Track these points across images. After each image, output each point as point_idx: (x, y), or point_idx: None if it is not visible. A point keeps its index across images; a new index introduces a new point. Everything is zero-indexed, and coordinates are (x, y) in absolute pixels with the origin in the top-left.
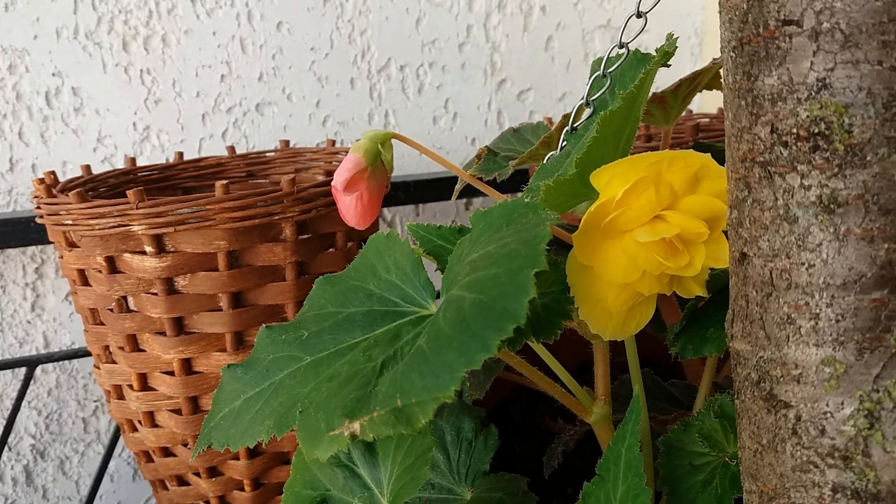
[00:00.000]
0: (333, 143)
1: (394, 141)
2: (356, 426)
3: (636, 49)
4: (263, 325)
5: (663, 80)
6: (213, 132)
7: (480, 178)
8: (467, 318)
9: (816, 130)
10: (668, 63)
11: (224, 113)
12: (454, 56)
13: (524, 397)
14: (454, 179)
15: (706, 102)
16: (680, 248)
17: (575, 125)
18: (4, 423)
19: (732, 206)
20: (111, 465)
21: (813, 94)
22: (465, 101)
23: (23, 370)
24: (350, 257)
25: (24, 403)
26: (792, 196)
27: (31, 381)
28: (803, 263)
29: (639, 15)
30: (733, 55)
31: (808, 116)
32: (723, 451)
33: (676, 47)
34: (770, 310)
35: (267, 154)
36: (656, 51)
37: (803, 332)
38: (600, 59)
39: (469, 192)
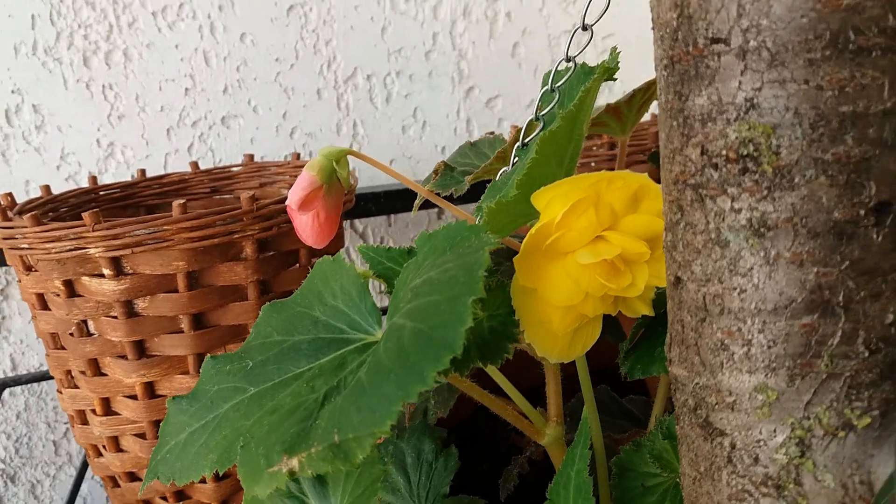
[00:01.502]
0: (298, 156)
1: (363, 149)
2: (294, 462)
3: (583, 63)
4: (208, 355)
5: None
6: (178, 147)
7: (438, 194)
8: (406, 348)
9: (745, 152)
10: (614, 77)
11: (189, 127)
12: (421, 64)
13: (490, 413)
14: None
15: None
16: (622, 269)
17: (525, 141)
18: None
19: (667, 229)
20: (83, 487)
21: (741, 114)
22: (434, 109)
23: None
24: None
25: None
26: (723, 219)
27: None
28: (735, 288)
29: (584, 28)
30: (665, 74)
31: (736, 138)
32: (674, 472)
33: (618, 62)
34: (704, 335)
35: (231, 169)
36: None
37: (736, 358)
38: (549, 73)
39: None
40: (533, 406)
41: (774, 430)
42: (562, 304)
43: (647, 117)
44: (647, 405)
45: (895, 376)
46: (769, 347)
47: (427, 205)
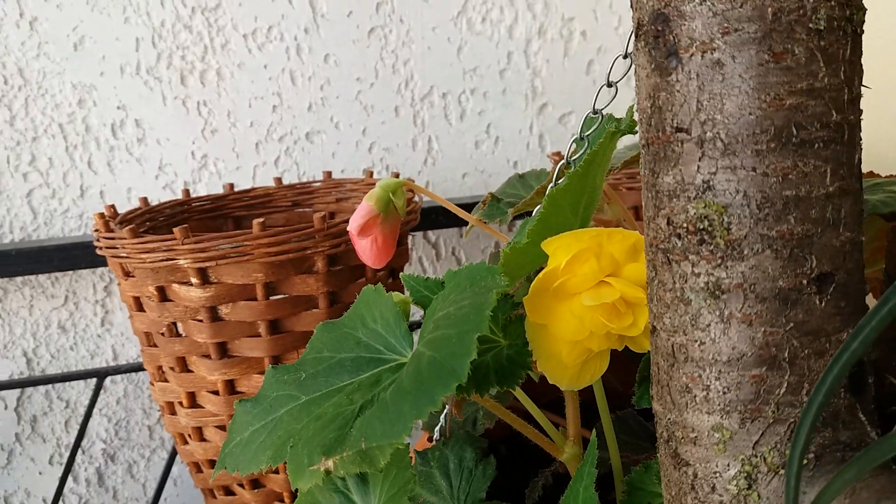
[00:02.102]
0: (371, 174)
1: (436, 165)
2: (330, 463)
3: (609, 114)
4: (270, 365)
5: None
6: (265, 160)
7: (485, 222)
8: (423, 373)
9: (702, 226)
10: (634, 131)
11: (276, 141)
12: (495, 82)
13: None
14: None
15: None
16: (623, 311)
17: (557, 182)
18: (78, 428)
19: (647, 284)
20: (174, 470)
21: (700, 193)
22: (507, 125)
23: (93, 381)
24: None
25: (95, 411)
26: (686, 281)
27: (101, 391)
28: (696, 340)
29: (609, 84)
30: (643, 152)
31: (695, 213)
32: None
33: (635, 121)
34: (674, 378)
35: (311, 185)
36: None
37: (698, 400)
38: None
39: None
40: (561, 417)
41: (728, 465)
42: (569, 340)
43: None
44: None
45: (835, 424)
46: (724, 393)
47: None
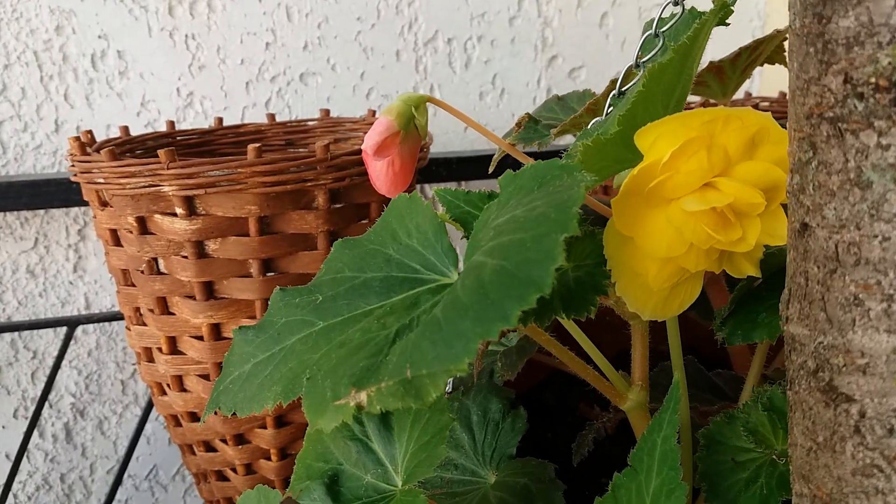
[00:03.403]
0: (374, 113)
1: (437, 116)
2: (363, 396)
3: (692, 7)
4: (277, 286)
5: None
6: (256, 101)
7: (519, 148)
8: (486, 285)
9: None
10: (727, 21)
11: (268, 82)
12: (504, 30)
13: (560, 382)
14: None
15: (766, 85)
16: (732, 221)
17: (623, 89)
18: (46, 380)
19: (794, 171)
20: (147, 427)
21: None
22: (514, 77)
23: (63, 330)
24: None
25: (64, 363)
26: (866, 157)
27: (72, 342)
28: (876, 236)
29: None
30: None
31: (890, 63)
32: (770, 448)
33: (731, 9)
34: (834, 289)
35: (307, 123)
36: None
37: (873, 315)
38: (652, 20)
39: (513, 165)
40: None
41: None
42: (661, 255)
43: (740, 94)
44: (735, 380)
45: None
46: None
47: (503, 167)
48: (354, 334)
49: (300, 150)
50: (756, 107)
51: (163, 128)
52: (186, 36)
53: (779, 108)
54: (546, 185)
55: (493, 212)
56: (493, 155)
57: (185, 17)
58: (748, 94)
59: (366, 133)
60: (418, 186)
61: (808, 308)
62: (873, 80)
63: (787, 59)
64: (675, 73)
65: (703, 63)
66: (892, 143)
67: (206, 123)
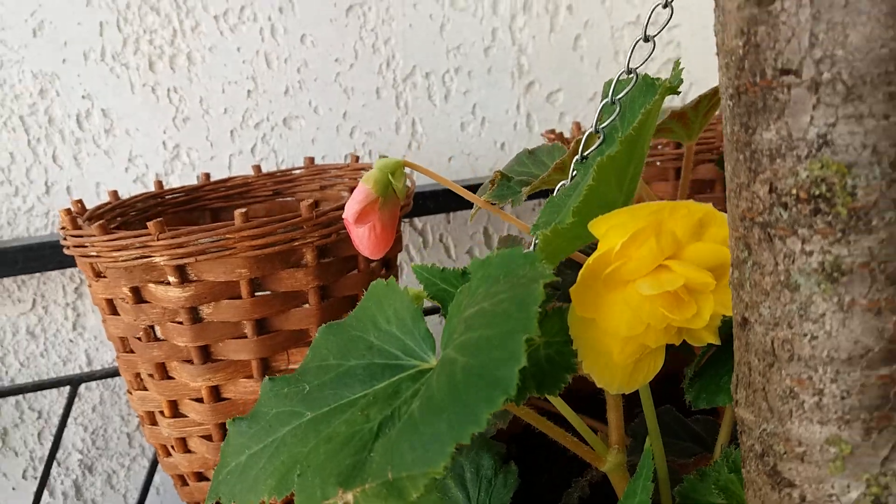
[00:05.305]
0: (357, 158)
1: (420, 149)
2: (350, 497)
3: (645, 74)
4: (267, 377)
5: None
6: (241, 148)
7: (494, 204)
8: (458, 384)
9: (817, 192)
10: (678, 91)
11: (252, 128)
12: (480, 61)
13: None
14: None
15: None
16: (686, 299)
17: (585, 154)
18: (52, 439)
19: (734, 266)
20: (156, 478)
21: (813, 151)
22: (493, 105)
23: (67, 388)
24: (373, 278)
25: (70, 420)
26: (793, 262)
27: (76, 399)
28: (805, 335)
29: (646, 39)
30: (731, 104)
31: (808, 176)
32: None
33: (682, 80)
34: (773, 381)
35: (293, 172)
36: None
37: (807, 407)
38: (609, 84)
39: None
40: (596, 413)
41: (848, 486)
42: (622, 335)
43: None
44: (713, 425)
45: None
46: (843, 398)
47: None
48: (340, 427)
49: (288, 198)
50: None
51: (151, 181)
52: (169, 90)
53: None
54: (511, 275)
55: (465, 297)
56: (480, 184)
57: (166, 71)
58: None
59: (350, 178)
60: (406, 221)
61: (753, 396)
62: (795, 191)
63: (724, 156)
64: (625, 159)
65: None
66: (815, 250)
67: (194, 174)
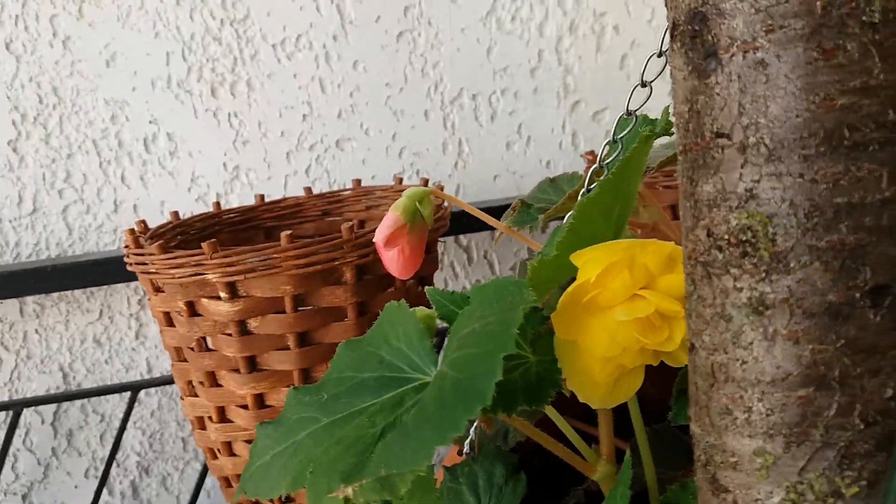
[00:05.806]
0: (401, 180)
1: (467, 168)
2: (349, 490)
3: (644, 115)
4: (292, 386)
5: None
6: (297, 169)
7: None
8: (446, 396)
9: (745, 238)
10: (670, 133)
11: (307, 150)
12: (526, 81)
13: None
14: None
15: None
16: (658, 325)
17: (589, 188)
18: (113, 441)
19: (686, 298)
20: (207, 481)
21: (742, 203)
22: (539, 125)
23: (128, 394)
24: (408, 296)
25: (129, 424)
26: (727, 296)
27: (136, 404)
28: (737, 360)
29: (643, 84)
30: (681, 158)
31: (737, 224)
32: None
33: (671, 123)
34: (713, 399)
35: (341, 193)
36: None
37: (739, 422)
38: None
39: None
40: (594, 425)
41: (771, 492)
42: (600, 357)
43: None
44: None
45: (890, 448)
46: (767, 415)
47: None
48: (349, 431)
49: (336, 218)
50: None
51: (212, 199)
52: (229, 114)
53: None
54: (502, 300)
55: (464, 320)
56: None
57: (227, 97)
58: None
59: (393, 199)
60: (451, 238)
61: (699, 412)
62: (727, 236)
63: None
64: (609, 197)
65: None
66: (744, 287)
67: (252, 193)
